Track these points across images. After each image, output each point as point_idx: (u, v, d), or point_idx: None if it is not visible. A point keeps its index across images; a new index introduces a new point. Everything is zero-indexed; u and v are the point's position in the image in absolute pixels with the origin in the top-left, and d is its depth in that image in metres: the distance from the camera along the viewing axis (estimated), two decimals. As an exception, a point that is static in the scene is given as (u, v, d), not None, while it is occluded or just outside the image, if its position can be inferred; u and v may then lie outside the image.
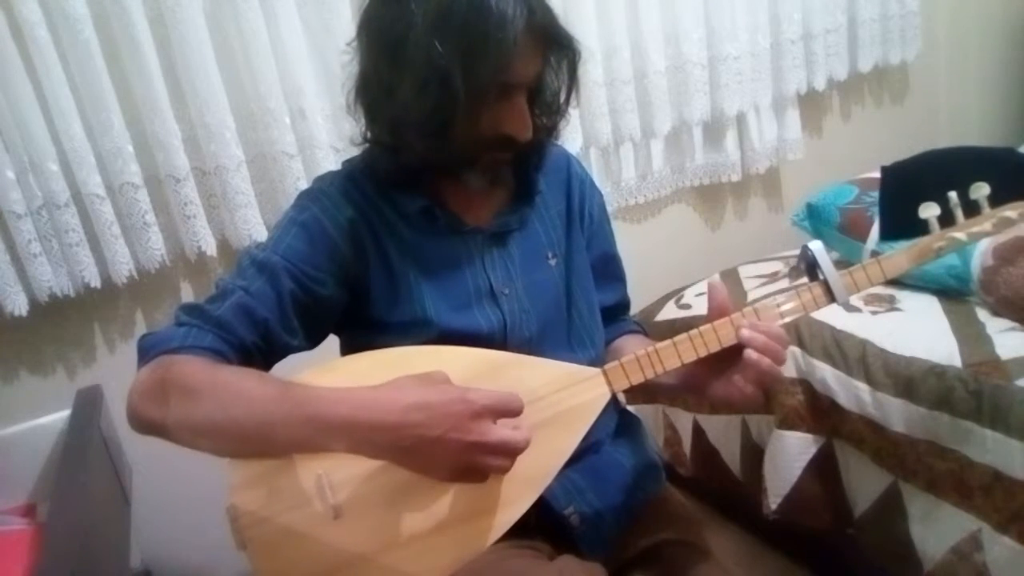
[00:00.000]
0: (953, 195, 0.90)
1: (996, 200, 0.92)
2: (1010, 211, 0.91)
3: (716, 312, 0.85)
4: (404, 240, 0.93)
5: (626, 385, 0.85)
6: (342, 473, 0.78)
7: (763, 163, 2.19)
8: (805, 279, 0.91)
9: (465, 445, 0.70)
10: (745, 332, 0.81)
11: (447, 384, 0.74)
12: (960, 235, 0.90)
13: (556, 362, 0.88)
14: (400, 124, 0.87)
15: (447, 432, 0.69)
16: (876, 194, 1.66)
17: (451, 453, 0.70)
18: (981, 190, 0.91)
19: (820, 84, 2.21)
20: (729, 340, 0.84)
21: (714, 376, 0.85)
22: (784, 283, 1.72)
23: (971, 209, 0.91)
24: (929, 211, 0.90)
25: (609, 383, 0.85)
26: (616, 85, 1.91)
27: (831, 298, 0.87)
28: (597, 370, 0.85)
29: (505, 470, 0.72)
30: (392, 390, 0.72)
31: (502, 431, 0.71)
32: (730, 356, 0.83)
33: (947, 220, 0.91)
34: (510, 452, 0.72)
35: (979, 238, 0.91)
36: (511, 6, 0.80)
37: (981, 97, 2.63)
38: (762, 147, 2.18)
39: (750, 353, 0.80)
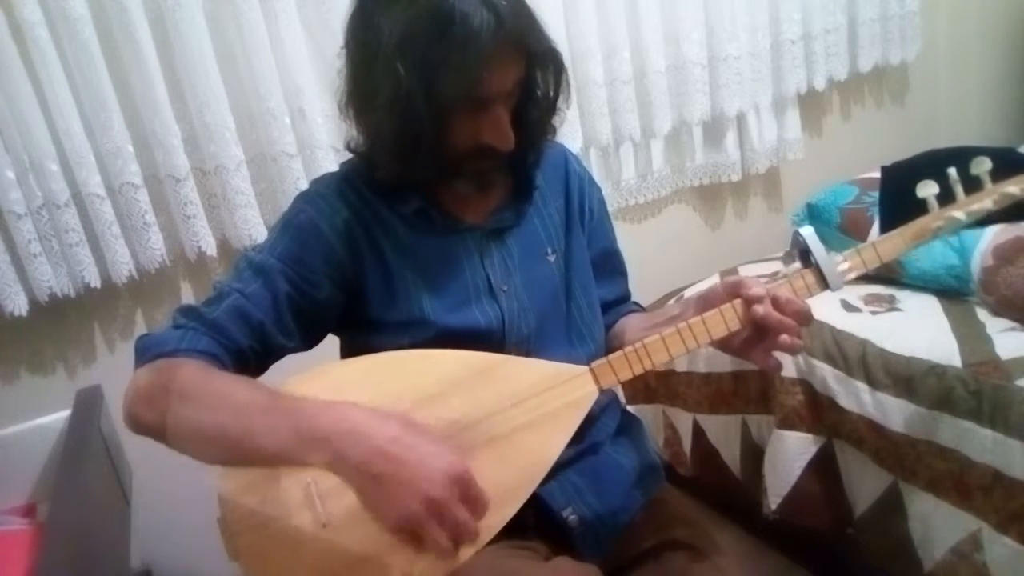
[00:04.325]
0: (953, 171, 0.86)
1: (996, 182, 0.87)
2: (1012, 187, 0.87)
3: (726, 295, 0.85)
4: (401, 240, 0.93)
5: (614, 381, 0.85)
6: (331, 481, 0.78)
7: (763, 163, 2.19)
8: (796, 260, 0.89)
9: (428, 500, 0.70)
10: (760, 309, 0.82)
11: (440, 440, 0.75)
12: (959, 214, 0.86)
13: (544, 361, 0.88)
14: (374, 142, 0.88)
15: (418, 480, 0.70)
16: (876, 194, 1.66)
17: (410, 501, 0.70)
18: (982, 165, 0.86)
19: (820, 84, 2.21)
20: (719, 332, 0.84)
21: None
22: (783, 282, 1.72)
23: (972, 185, 0.87)
24: (927, 190, 0.86)
25: (596, 380, 0.85)
26: (616, 85, 1.91)
27: (824, 285, 0.85)
28: (584, 368, 0.85)
29: (444, 550, 0.72)
30: (383, 418, 0.73)
31: (463, 512, 0.72)
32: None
33: (947, 199, 0.87)
34: (460, 533, 0.72)
35: (979, 216, 0.87)
36: (475, 21, 0.78)
37: (981, 97, 2.63)
38: (762, 147, 2.18)
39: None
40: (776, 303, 0.82)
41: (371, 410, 0.73)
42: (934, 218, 0.87)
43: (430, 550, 0.72)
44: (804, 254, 0.87)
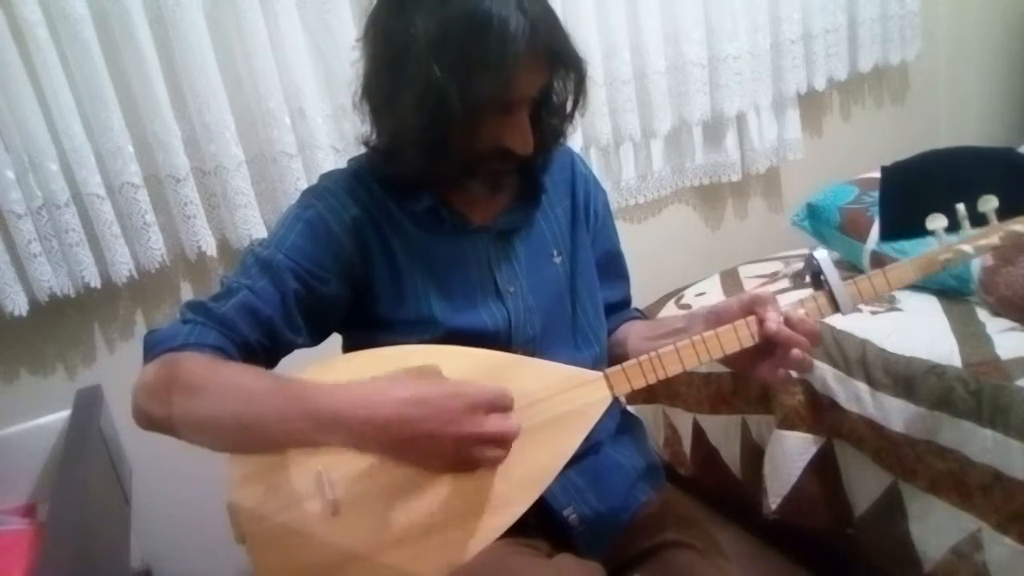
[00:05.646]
0: (961, 207, 0.89)
1: (1001, 207, 0.90)
2: (1019, 225, 0.90)
3: (741, 311, 0.86)
4: (410, 239, 0.93)
5: (627, 389, 0.85)
6: (342, 470, 0.78)
7: (763, 163, 2.19)
8: (808, 284, 0.90)
9: (460, 438, 0.71)
10: (773, 326, 0.83)
11: (441, 379, 0.75)
12: (967, 248, 0.89)
13: (557, 364, 0.88)
14: (398, 137, 0.88)
15: (442, 426, 0.70)
16: (876, 194, 1.66)
17: (446, 447, 0.71)
18: (989, 203, 0.89)
19: (820, 84, 2.21)
20: (732, 348, 0.85)
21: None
22: (784, 283, 1.72)
23: (978, 221, 0.90)
24: (936, 223, 0.89)
25: (611, 387, 0.85)
26: (616, 85, 1.91)
27: (835, 308, 0.87)
28: (599, 373, 0.85)
29: (499, 461, 0.73)
30: (387, 385, 0.73)
31: (495, 422, 0.73)
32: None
33: (954, 231, 0.90)
34: (504, 442, 0.73)
35: (986, 251, 0.91)
36: (512, 24, 0.79)
37: (981, 97, 2.63)
38: (762, 147, 2.18)
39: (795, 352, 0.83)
40: (788, 322, 0.84)
41: (372, 382, 0.74)
42: (943, 251, 0.90)
43: (489, 465, 0.74)
44: (816, 276, 0.89)
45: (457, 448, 0.71)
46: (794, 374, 1.45)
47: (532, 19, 0.81)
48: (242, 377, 0.78)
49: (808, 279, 0.91)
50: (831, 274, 0.86)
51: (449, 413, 0.71)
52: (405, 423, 0.70)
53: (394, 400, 0.71)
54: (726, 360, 0.88)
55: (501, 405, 0.74)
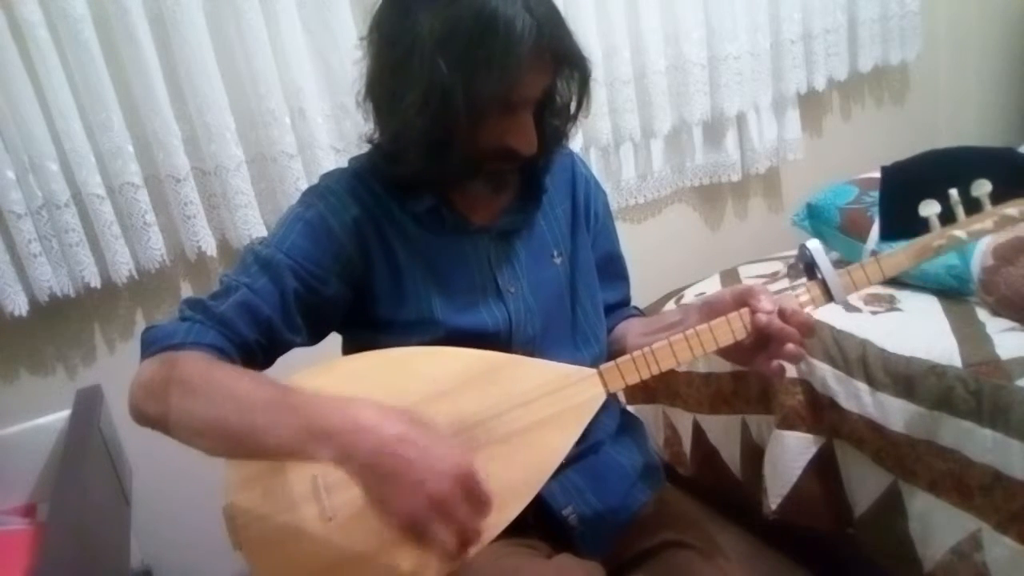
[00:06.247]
0: (954, 192, 0.89)
1: (996, 199, 0.91)
2: (1011, 208, 0.90)
3: (734, 303, 0.86)
4: (411, 239, 0.93)
5: (622, 385, 0.85)
6: (338, 474, 0.78)
7: (763, 163, 2.19)
8: (803, 278, 0.90)
9: (433, 499, 0.67)
10: (763, 318, 0.83)
11: (447, 438, 0.72)
12: (960, 233, 0.89)
13: (552, 363, 0.88)
14: (401, 136, 0.87)
15: (424, 479, 0.67)
16: (876, 194, 1.66)
17: (416, 500, 0.67)
18: (983, 187, 0.89)
19: (820, 84, 2.21)
20: (726, 340, 0.85)
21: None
22: (784, 283, 1.72)
23: (972, 207, 0.90)
24: (929, 209, 0.89)
25: (604, 383, 0.85)
26: (616, 85, 1.91)
27: (829, 297, 0.87)
28: (593, 371, 0.85)
29: (447, 550, 0.68)
30: (393, 416, 0.70)
31: (470, 511, 0.68)
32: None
33: (948, 218, 0.89)
34: (464, 533, 0.68)
35: (980, 236, 0.90)
36: (518, 25, 0.79)
37: (981, 97, 2.63)
38: (762, 147, 2.18)
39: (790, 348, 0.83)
40: (781, 314, 0.83)
41: (379, 406, 0.71)
42: (936, 236, 0.89)
43: (435, 549, 0.69)
44: (809, 267, 0.89)
45: (428, 508, 0.67)
46: (792, 372, 1.45)
47: (538, 19, 0.81)
48: (239, 383, 0.77)
49: (802, 269, 0.91)
50: (824, 263, 0.86)
51: (441, 473, 0.67)
52: (395, 459, 0.68)
53: (390, 433, 0.69)
54: (722, 351, 0.88)
55: (480, 498, 0.69)
